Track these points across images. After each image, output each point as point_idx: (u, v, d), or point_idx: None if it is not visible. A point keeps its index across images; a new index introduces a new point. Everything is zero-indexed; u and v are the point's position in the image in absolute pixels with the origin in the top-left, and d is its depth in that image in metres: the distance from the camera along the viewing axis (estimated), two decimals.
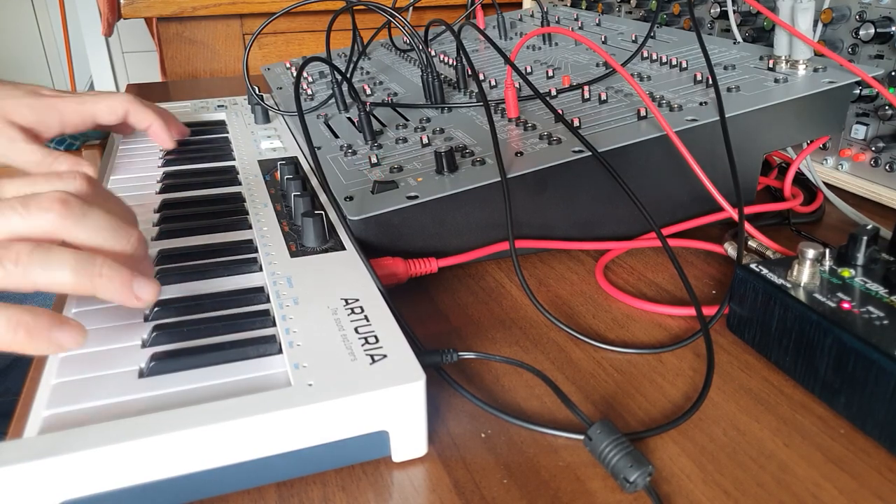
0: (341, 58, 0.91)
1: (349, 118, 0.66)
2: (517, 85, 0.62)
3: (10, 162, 0.57)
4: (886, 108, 0.60)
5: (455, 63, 0.72)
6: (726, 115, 0.52)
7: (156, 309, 0.39)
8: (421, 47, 0.64)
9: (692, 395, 0.38)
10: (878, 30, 0.58)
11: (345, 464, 0.33)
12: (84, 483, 0.28)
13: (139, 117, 0.63)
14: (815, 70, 0.58)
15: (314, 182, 0.55)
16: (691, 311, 0.45)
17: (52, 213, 0.33)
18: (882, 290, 0.38)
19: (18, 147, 0.57)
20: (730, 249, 0.51)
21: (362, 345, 0.34)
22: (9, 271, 0.31)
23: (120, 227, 0.36)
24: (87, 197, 0.36)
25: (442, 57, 0.81)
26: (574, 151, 0.50)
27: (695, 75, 0.60)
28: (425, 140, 0.56)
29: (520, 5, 1.17)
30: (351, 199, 0.48)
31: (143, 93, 1.05)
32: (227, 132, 0.71)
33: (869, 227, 0.41)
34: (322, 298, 0.38)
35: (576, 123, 0.53)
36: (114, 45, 2.24)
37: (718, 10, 0.75)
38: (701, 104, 0.54)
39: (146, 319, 0.38)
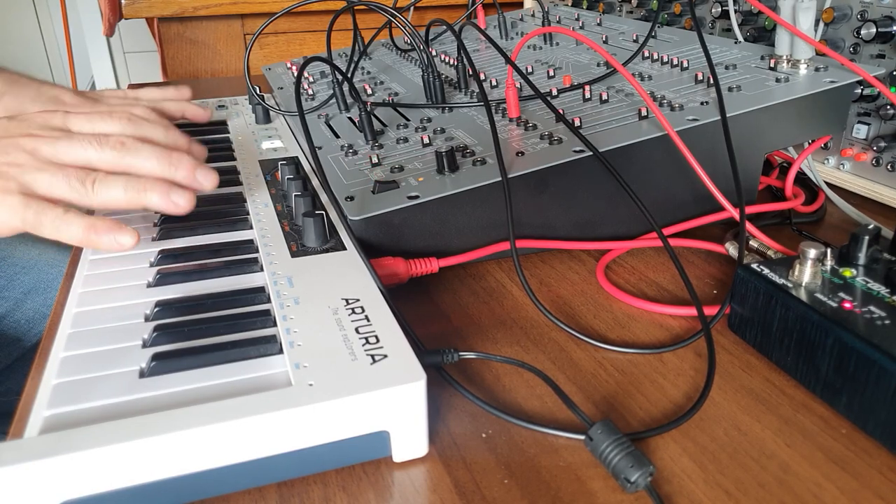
0: (342, 58, 0.91)
1: (350, 118, 0.66)
2: (518, 85, 0.62)
3: None
4: (888, 107, 0.60)
5: (456, 63, 0.72)
6: (727, 115, 0.52)
7: (156, 309, 0.39)
8: (422, 47, 0.64)
9: (693, 395, 0.38)
10: (880, 29, 0.58)
11: (345, 464, 0.33)
12: (85, 483, 0.28)
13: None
14: (817, 69, 0.58)
15: (315, 182, 0.55)
16: (692, 311, 0.45)
17: (115, 151, 0.45)
18: (883, 290, 0.38)
19: None
20: (731, 249, 0.51)
21: (363, 345, 0.34)
22: (86, 190, 0.43)
23: (164, 156, 0.46)
24: (142, 128, 0.48)
25: (443, 57, 0.81)
26: (575, 151, 0.50)
27: (696, 75, 0.60)
28: (426, 140, 0.56)
29: (521, 5, 1.17)
30: (352, 198, 0.48)
31: None
32: (228, 132, 0.71)
33: (870, 226, 0.41)
34: (323, 298, 0.38)
35: (577, 123, 0.53)
36: (115, 45, 2.24)
37: (720, 9, 0.75)
38: (702, 104, 0.54)
39: (147, 319, 0.38)
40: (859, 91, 0.62)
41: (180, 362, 0.34)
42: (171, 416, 0.29)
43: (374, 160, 0.53)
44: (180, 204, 0.45)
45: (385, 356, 0.33)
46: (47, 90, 0.62)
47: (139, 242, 0.43)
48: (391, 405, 0.32)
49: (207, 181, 0.47)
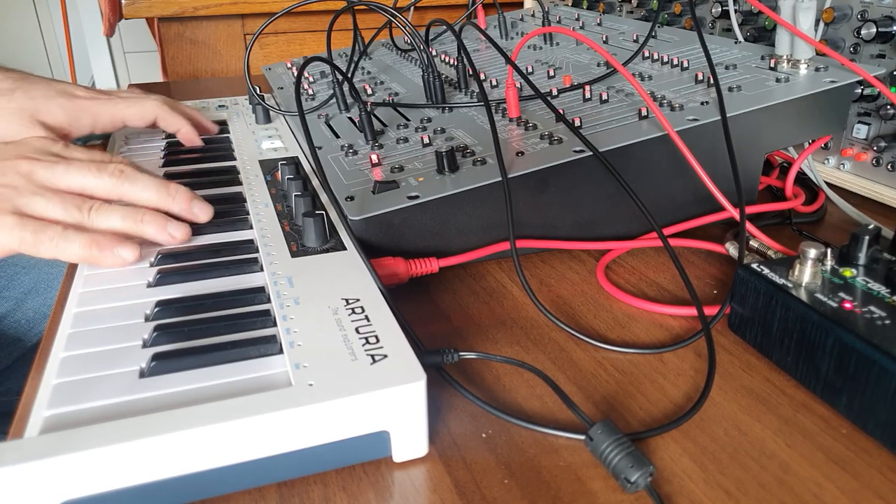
0: (342, 58, 0.91)
1: (350, 118, 0.66)
2: (518, 85, 0.62)
3: None
4: (888, 107, 0.60)
5: (456, 63, 0.72)
6: (728, 115, 0.52)
7: (157, 309, 0.39)
8: (422, 47, 0.64)
9: (693, 395, 0.38)
10: (880, 29, 0.58)
11: (346, 464, 0.33)
12: (85, 483, 0.28)
13: (168, 122, 0.65)
14: (817, 69, 0.58)
15: (315, 182, 0.55)
16: (693, 311, 0.45)
17: (114, 178, 0.46)
18: (884, 290, 0.38)
19: None
20: (731, 249, 0.51)
21: (363, 345, 0.34)
22: (83, 217, 0.43)
23: (161, 187, 0.47)
24: (135, 168, 0.48)
25: (443, 57, 0.81)
26: (575, 151, 0.50)
27: (696, 75, 0.60)
28: (426, 140, 0.56)
29: (521, 5, 1.17)
30: (352, 198, 0.48)
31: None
32: (229, 132, 0.71)
33: (870, 226, 0.41)
34: (323, 298, 0.38)
35: (577, 123, 0.53)
36: (115, 46, 2.24)
37: (720, 9, 0.75)
38: (702, 104, 0.54)
39: (147, 319, 0.38)
40: (859, 91, 0.62)
41: (180, 362, 0.34)
42: (171, 416, 0.29)
43: (374, 160, 0.53)
44: (176, 236, 0.46)
45: (385, 356, 0.33)
46: (56, 84, 0.62)
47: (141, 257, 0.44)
48: (391, 405, 0.32)
49: (203, 213, 0.48)
